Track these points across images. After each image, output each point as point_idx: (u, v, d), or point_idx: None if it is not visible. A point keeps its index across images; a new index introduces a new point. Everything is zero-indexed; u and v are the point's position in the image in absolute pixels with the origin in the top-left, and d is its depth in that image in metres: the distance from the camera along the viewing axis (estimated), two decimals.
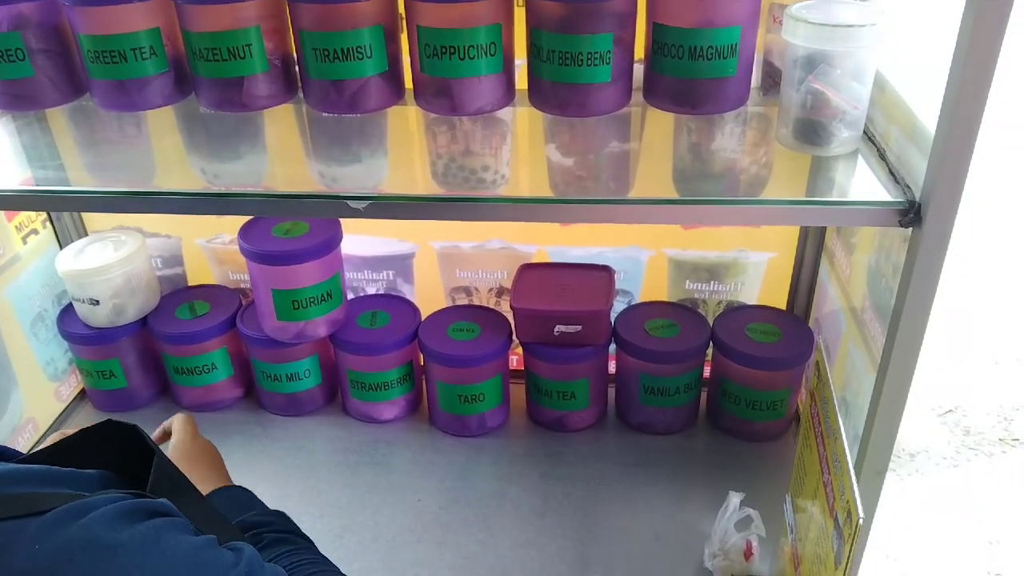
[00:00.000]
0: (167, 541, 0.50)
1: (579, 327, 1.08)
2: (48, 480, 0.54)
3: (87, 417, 1.28)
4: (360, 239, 1.23)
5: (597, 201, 0.83)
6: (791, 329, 1.12)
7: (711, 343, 1.13)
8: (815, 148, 0.82)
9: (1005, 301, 2.44)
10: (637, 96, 0.93)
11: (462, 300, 1.27)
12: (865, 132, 0.84)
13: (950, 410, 2.10)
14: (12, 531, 0.46)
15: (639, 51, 0.90)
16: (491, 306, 1.25)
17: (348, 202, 0.80)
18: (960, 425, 2.07)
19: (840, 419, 0.78)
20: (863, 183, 0.79)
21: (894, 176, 0.78)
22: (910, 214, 0.72)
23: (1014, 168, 3.10)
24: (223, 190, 0.90)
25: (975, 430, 2.05)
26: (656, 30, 0.87)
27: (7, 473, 0.52)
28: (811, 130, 0.81)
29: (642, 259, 1.19)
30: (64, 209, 1.19)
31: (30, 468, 0.54)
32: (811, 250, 1.14)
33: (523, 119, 1.00)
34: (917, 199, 0.72)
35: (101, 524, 0.48)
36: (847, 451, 0.73)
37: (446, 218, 1.05)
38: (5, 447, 0.57)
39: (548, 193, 0.93)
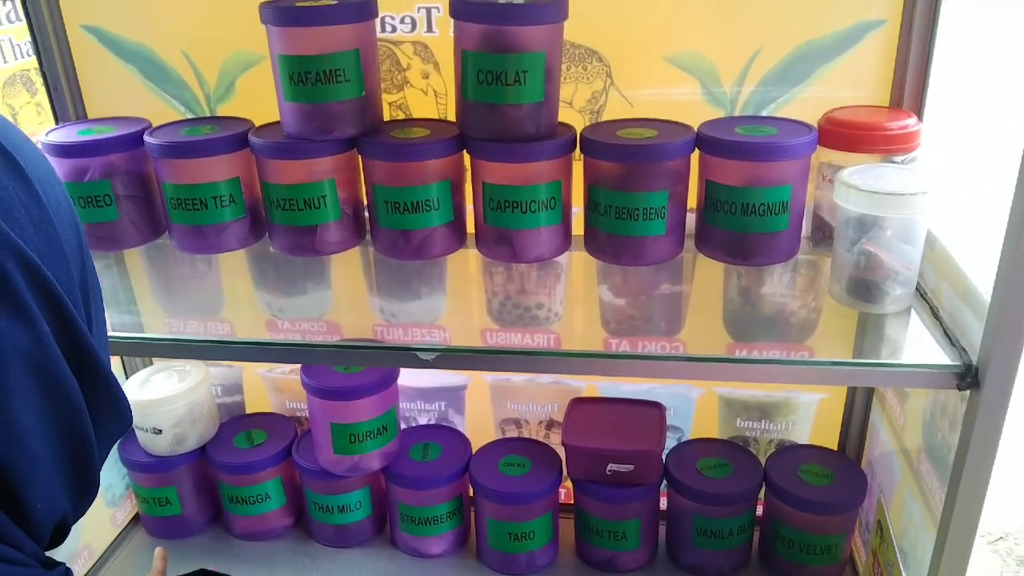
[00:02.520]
0: None
1: (632, 466, 1.08)
2: None
3: (141, 543, 1.30)
4: (415, 371, 1.26)
5: (651, 357, 0.85)
6: (844, 471, 1.11)
7: (764, 484, 1.13)
8: (869, 305, 0.84)
9: None
10: (689, 242, 0.97)
11: (512, 432, 1.28)
12: (917, 288, 0.86)
13: (1001, 537, 2.03)
14: None
15: (691, 200, 0.94)
16: (541, 439, 1.26)
17: (418, 354, 0.83)
18: (1013, 554, 2.00)
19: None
20: (918, 343, 0.81)
21: (948, 336, 0.79)
22: (968, 378, 0.73)
23: None
24: (295, 339, 0.94)
25: None
26: (709, 187, 0.91)
27: None
28: (864, 288, 0.84)
29: (692, 396, 1.21)
30: (138, 355, 1.24)
31: None
32: (862, 392, 1.14)
33: (578, 263, 1.04)
34: (974, 362, 0.74)
35: None
36: None
37: (508, 370, 1.09)
38: None
39: (599, 331, 0.96)
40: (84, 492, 0.48)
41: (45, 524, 0.44)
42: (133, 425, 1.22)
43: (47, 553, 0.46)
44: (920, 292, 0.87)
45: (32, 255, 0.40)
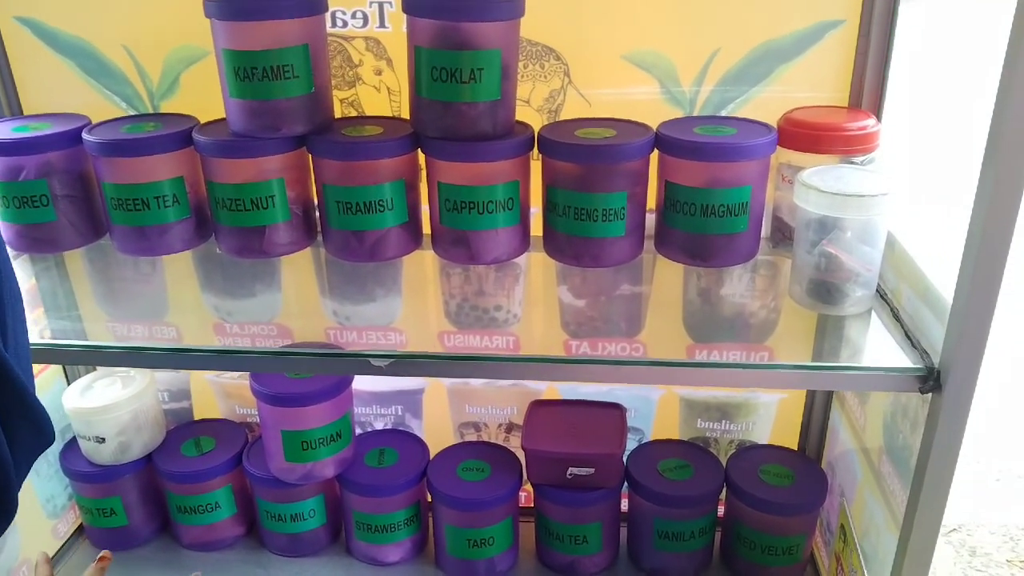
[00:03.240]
0: None
1: (592, 470, 1.07)
2: None
3: (85, 555, 1.25)
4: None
5: (610, 362, 0.84)
6: (804, 472, 1.11)
7: (724, 485, 1.12)
8: (829, 307, 0.84)
9: (1005, 416, 2.44)
10: (649, 243, 0.95)
11: (471, 436, 1.26)
12: (877, 290, 0.86)
13: (954, 529, 2.06)
14: None
15: (651, 201, 0.93)
16: (501, 442, 1.24)
17: (371, 360, 0.80)
18: (966, 545, 2.03)
19: None
20: (879, 345, 0.80)
21: (910, 338, 0.79)
22: (930, 381, 0.73)
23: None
24: (244, 347, 0.90)
25: (981, 550, 2.01)
26: (668, 188, 0.90)
27: None
28: (825, 290, 0.83)
29: (653, 397, 1.19)
30: (80, 363, 1.19)
31: None
32: (822, 393, 1.14)
33: (537, 264, 1.02)
34: (936, 365, 0.73)
35: None
36: None
37: (466, 376, 1.06)
38: None
39: (559, 332, 0.94)
40: (1, 515, 0.45)
41: None
42: (76, 434, 1.17)
43: None
44: (880, 294, 0.87)
45: None
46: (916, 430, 0.79)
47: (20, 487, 0.46)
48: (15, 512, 0.46)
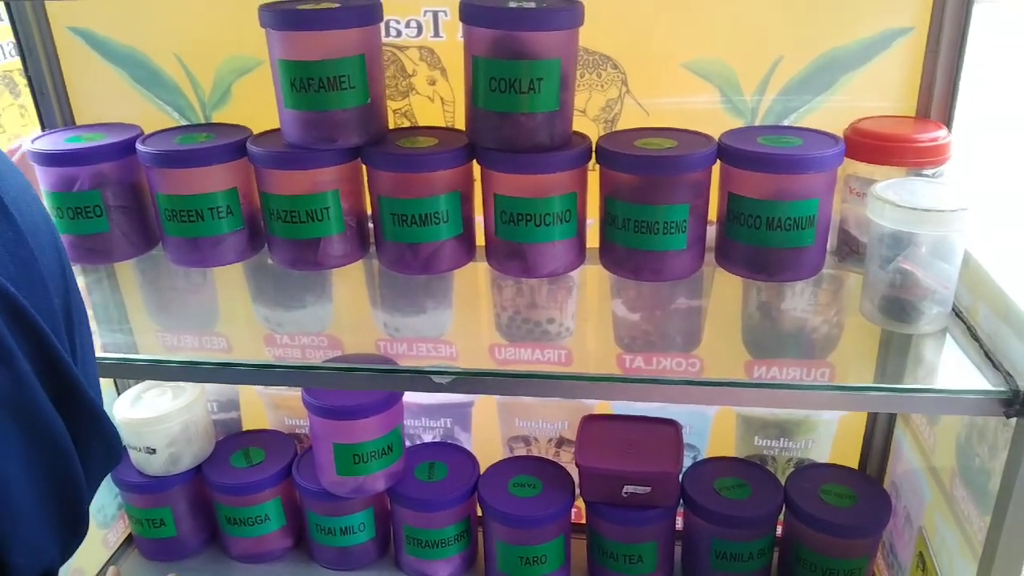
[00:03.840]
0: None
1: (649, 488, 1.04)
2: None
3: (134, 565, 1.25)
4: None
5: (668, 381, 0.81)
6: (867, 492, 1.07)
7: (784, 505, 1.09)
8: (903, 325, 0.80)
9: None
10: (708, 256, 0.93)
11: (520, 450, 1.24)
12: (952, 308, 0.83)
13: None
14: None
15: (712, 213, 0.90)
16: (550, 456, 1.22)
17: (432, 377, 0.78)
18: None
19: None
20: (956, 366, 0.77)
21: (990, 359, 0.76)
22: (1016, 404, 0.69)
23: None
24: (295, 356, 0.89)
25: None
26: (731, 200, 0.87)
27: None
28: (899, 308, 0.80)
29: (709, 413, 1.17)
30: (130, 377, 1.19)
31: None
32: (885, 412, 1.11)
33: (591, 277, 1.00)
34: (1021, 388, 0.70)
35: None
36: None
37: (524, 394, 1.04)
38: None
39: (612, 346, 0.92)
40: (73, 534, 0.44)
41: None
42: (126, 444, 1.17)
43: None
44: (956, 312, 0.83)
45: (7, 286, 0.36)
46: (996, 454, 0.76)
47: (91, 502, 0.45)
48: (87, 528, 0.45)
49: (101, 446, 0.44)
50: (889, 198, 0.76)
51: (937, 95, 0.92)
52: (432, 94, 1.01)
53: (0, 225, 0.38)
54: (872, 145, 0.87)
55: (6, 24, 1.07)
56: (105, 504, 1.25)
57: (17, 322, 0.37)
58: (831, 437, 1.15)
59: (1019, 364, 0.71)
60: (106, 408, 1.21)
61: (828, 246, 0.91)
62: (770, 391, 0.79)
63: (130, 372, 1.00)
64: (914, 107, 0.95)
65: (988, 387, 0.72)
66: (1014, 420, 0.70)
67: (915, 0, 0.89)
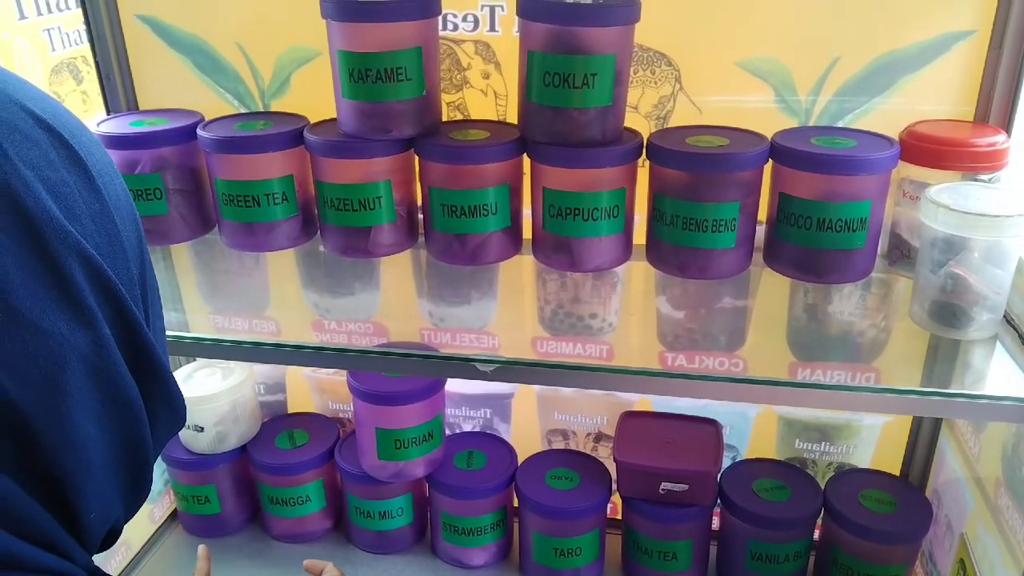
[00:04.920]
0: None
1: (686, 486, 1.05)
2: None
3: (178, 540, 1.28)
4: None
5: (711, 378, 0.81)
6: (908, 499, 1.06)
7: (822, 509, 1.08)
8: (953, 331, 0.80)
9: None
10: (757, 256, 0.93)
11: (558, 443, 1.25)
12: (1004, 315, 0.82)
13: None
14: None
15: (762, 213, 0.90)
16: (588, 451, 1.23)
17: (476, 365, 0.80)
18: None
19: None
20: (1007, 373, 0.76)
21: None
22: None
23: None
24: (342, 341, 0.91)
25: None
26: (782, 199, 0.87)
27: None
28: (949, 313, 0.79)
29: (750, 414, 1.16)
30: (181, 354, 1.22)
31: None
32: (930, 418, 1.09)
33: (637, 273, 1.00)
34: None
35: None
36: None
37: (566, 385, 1.05)
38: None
39: (655, 343, 0.92)
40: (137, 495, 0.46)
41: (97, 531, 0.43)
42: None
43: (96, 557, 0.44)
44: (1007, 319, 0.82)
45: (94, 254, 0.38)
46: None
47: (154, 466, 0.47)
48: (149, 490, 0.47)
49: (168, 411, 0.46)
50: (943, 202, 0.75)
51: (997, 99, 0.91)
52: (485, 88, 1.02)
53: (89, 197, 0.39)
54: (927, 148, 0.86)
55: (75, 12, 1.11)
56: (153, 480, 1.28)
57: (101, 288, 0.39)
58: (873, 443, 1.14)
59: None
60: None
61: (879, 249, 0.90)
62: (810, 391, 0.78)
63: (182, 349, 1.03)
64: (972, 112, 0.93)
65: None
66: None
67: (978, 3, 0.88)
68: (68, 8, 1.24)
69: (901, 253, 0.90)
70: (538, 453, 1.20)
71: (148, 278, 0.45)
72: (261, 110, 1.10)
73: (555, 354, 0.90)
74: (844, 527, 1.04)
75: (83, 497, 0.40)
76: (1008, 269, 0.77)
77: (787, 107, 0.96)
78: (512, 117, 0.97)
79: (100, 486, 0.41)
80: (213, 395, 1.16)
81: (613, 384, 0.84)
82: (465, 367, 0.80)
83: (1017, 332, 0.81)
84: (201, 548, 0.90)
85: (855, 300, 0.94)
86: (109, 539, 0.46)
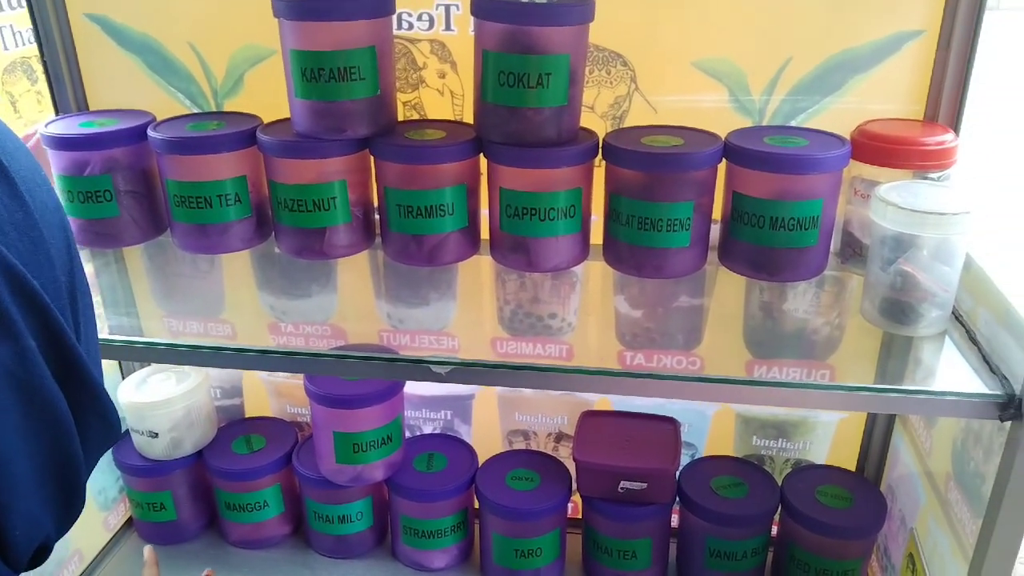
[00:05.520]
0: None
1: (645, 484, 1.05)
2: None
3: (133, 548, 1.26)
4: None
5: (669, 377, 0.81)
6: (863, 494, 1.08)
7: (780, 505, 1.09)
8: (902, 328, 0.81)
9: None
10: (712, 255, 0.93)
11: (519, 444, 1.24)
12: (952, 311, 0.83)
13: None
14: None
15: (716, 211, 0.91)
16: (549, 451, 1.23)
17: (431, 367, 0.79)
18: None
19: None
20: (954, 369, 0.77)
21: (988, 363, 0.76)
22: (1010, 408, 0.70)
23: None
24: (298, 344, 0.90)
25: None
26: (735, 199, 0.87)
27: None
28: (899, 310, 0.80)
29: (708, 412, 1.17)
30: (136, 359, 1.20)
31: None
32: (884, 414, 1.11)
33: (594, 273, 1.01)
34: (1017, 392, 0.70)
35: None
36: None
37: (524, 386, 1.04)
38: None
39: (614, 343, 0.92)
40: (69, 510, 0.45)
41: (24, 549, 0.41)
42: (129, 428, 1.18)
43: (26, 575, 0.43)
44: (956, 315, 0.84)
45: (16, 263, 0.37)
46: (990, 458, 0.76)
47: (88, 479, 0.46)
48: (83, 505, 0.46)
49: (100, 423, 0.44)
50: (892, 200, 0.76)
51: (945, 98, 0.93)
52: (442, 87, 1.02)
53: (11, 206, 0.38)
54: (878, 147, 0.87)
55: (24, 11, 1.08)
56: (106, 487, 1.26)
57: (24, 298, 0.38)
58: (829, 439, 1.15)
59: (1016, 369, 0.71)
60: (110, 391, 1.22)
61: (832, 247, 0.91)
62: (766, 389, 0.79)
63: (135, 354, 1.01)
64: (922, 110, 0.95)
65: (984, 391, 0.72)
66: (1008, 424, 0.71)
67: (926, 3, 0.90)
68: (21, 6, 1.21)
69: (853, 251, 0.92)
70: (498, 454, 1.20)
71: (79, 287, 0.44)
72: (214, 110, 1.08)
73: (515, 354, 0.90)
74: (801, 523, 1.06)
75: (7, 514, 0.38)
76: (956, 266, 0.78)
77: (741, 107, 0.97)
78: (469, 117, 0.96)
79: (26, 502, 0.40)
80: (167, 400, 1.14)
81: (572, 384, 0.84)
82: (421, 369, 0.80)
83: (965, 328, 0.82)
84: (147, 550, 0.88)
85: (809, 298, 0.95)
86: (39, 556, 0.44)
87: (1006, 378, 0.72)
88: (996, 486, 0.73)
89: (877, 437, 1.13)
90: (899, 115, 0.95)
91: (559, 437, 1.23)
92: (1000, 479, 0.72)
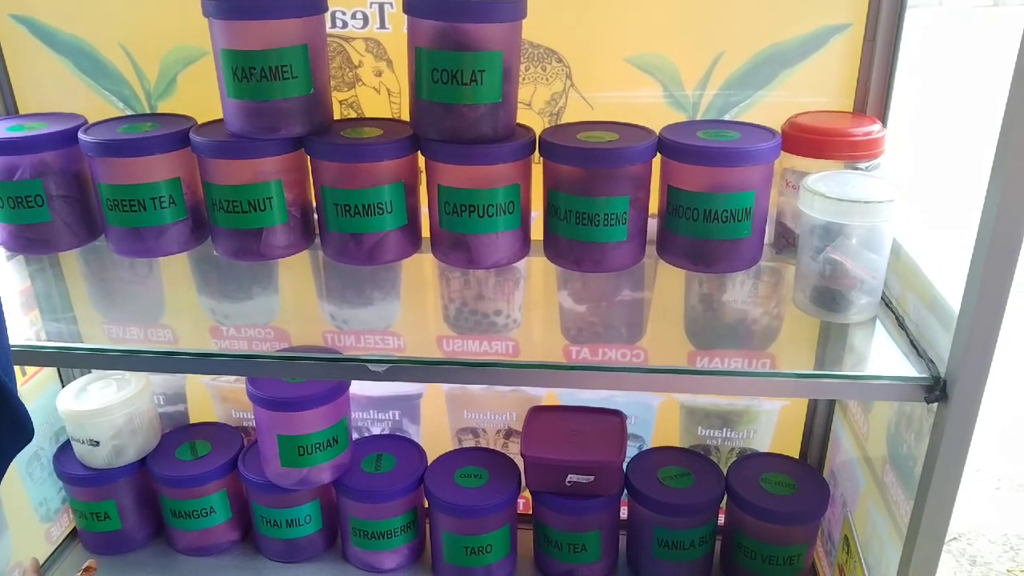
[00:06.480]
0: None
1: (592, 477, 1.06)
2: None
3: (78, 559, 1.23)
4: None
5: (612, 368, 0.82)
6: (806, 481, 1.10)
7: (725, 494, 1.11)
8: (833, 315, 0.82)
9: (1005, 425, 2.42)
10: (651, 248, 0.94)
11: (469, 442, 1.25)
12: (882, 298, 0.85)
13: (954, 538, 2.05)
14: None
15: (653, 206, 0.92)
16: (500, 448, 1.23)
17: (368, 366, 0.79)
18: (966, 554, 2.02)
19: None
20: (884, 354, 0.79)
21: (915, 347, 0.78)
22: (936, 391, 0.72)
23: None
24: (241, 347, 0.89)
25: (981, 559, 2.00)
26: (670, 192, 0.88)
27: None
28: (829, 298, 0.82)
29: (653, 404, 1.18)
30: (74, 366, 1.18)
31: None
32: (825, 401, 1.13)
33: (537, 269, 1.01)
34: (942, 375, 0.72)
35: None
36: None
37: (465, 382, 1.04)
38: None
39: (559, 338, 0.93)
40: None
41: None
42: (70, 437, 1.16)
43: None
44: (885, 302, 0.86)
45: None
46: (921, 440, 0.78)
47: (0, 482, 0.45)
48: None
49: (11, 427, 0.44)
50: (819, 190, 0.78)
51: (873, 90, 0.95)
52: (378, 85, 1.01)
53: None
54: (808, 139, 0.89)
55: None
56: (48, 498, 1.23)
57: None
58: (772, 428, 1.17)
59: (942, 352, 0.73)
60: (50, 400, 1.19)
61: (766, 238, 0.93)
62: (710, 378, 0.80)
63: (73, 361, 0.99)
64: (851, 102, 0.97)
65: (913, 374, 0.74)
66: (935, 406, 0.73)
67: None
68: None
69: (787, 241, 0.93)
70: (447, 453, 1.20)
71: None
72: (148, 112, 1.06)
73: (461, 352, 0.90)
74: (746, 511, 1.07)
75: None
76: (883, 253, 0.80)
77: (675, 102, 0.98)
78: (406, 114, 0.96)
79: None
80: (108, 407, 1.12)
81: (513, 379, 0.85)
82: (359, 368, 0.79)
83: (895, 314, 0.84)
84: (31, 560, 0.87)
85: (747, 288, 0.97)
86: None
87: (932, 361, 0.74)
88: (925, 467, 0.75)
89: (819, 424, 1.15)
90: (830, 107, 0.97)
91: (508, 433, 1.23)
92: (929, 459, 0.74)
